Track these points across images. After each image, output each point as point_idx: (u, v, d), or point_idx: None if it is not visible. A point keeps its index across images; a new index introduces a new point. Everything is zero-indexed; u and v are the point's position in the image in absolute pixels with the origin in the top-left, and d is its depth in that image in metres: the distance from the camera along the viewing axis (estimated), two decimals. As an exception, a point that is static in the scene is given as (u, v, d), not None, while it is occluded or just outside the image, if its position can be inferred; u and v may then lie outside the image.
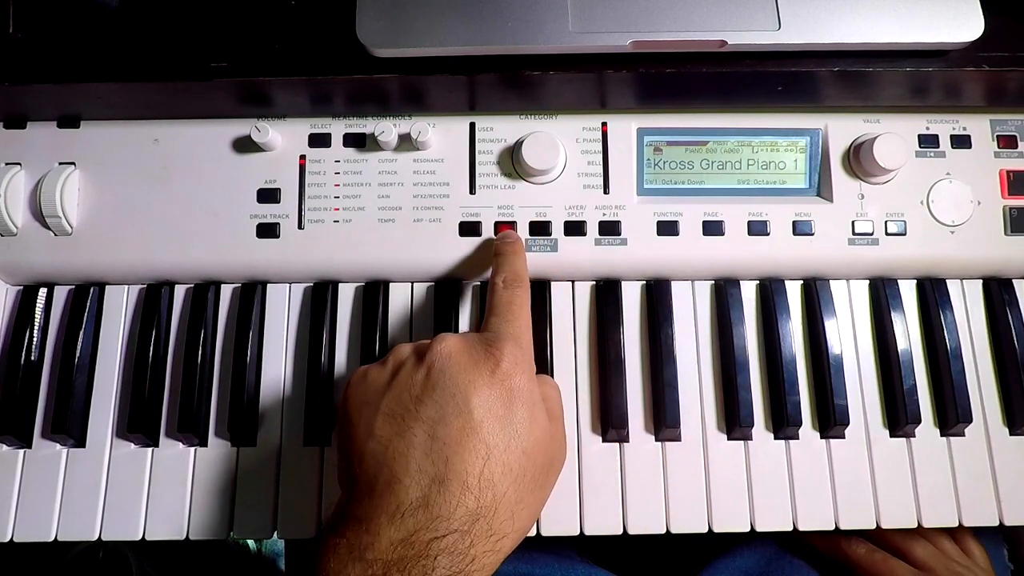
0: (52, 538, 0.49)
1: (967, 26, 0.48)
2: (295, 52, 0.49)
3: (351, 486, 0.40)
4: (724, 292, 0.54)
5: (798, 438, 0.52)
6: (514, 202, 0.53)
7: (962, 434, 0.52)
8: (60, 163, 0.53)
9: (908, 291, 0.55)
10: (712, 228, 0.53)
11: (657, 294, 0.53)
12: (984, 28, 0.47)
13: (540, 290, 0.54)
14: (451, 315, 0.53)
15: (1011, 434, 0.52)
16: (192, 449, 0.51)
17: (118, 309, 0.54)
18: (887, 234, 0.53)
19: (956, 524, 0.50)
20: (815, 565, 0.57)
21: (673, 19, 0.47)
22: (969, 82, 0.51)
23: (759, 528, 0.50)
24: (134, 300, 0.54)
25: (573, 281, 0.54)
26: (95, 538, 0.49)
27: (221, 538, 0.50)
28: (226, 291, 0.54)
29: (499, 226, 0.52)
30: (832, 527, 0.50)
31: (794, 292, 0.54)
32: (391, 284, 0.54)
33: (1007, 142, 0.54)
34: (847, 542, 0.56)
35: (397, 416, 0.39)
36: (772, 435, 0.52)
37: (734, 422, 0.51)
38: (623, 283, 0.54)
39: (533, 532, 0.49)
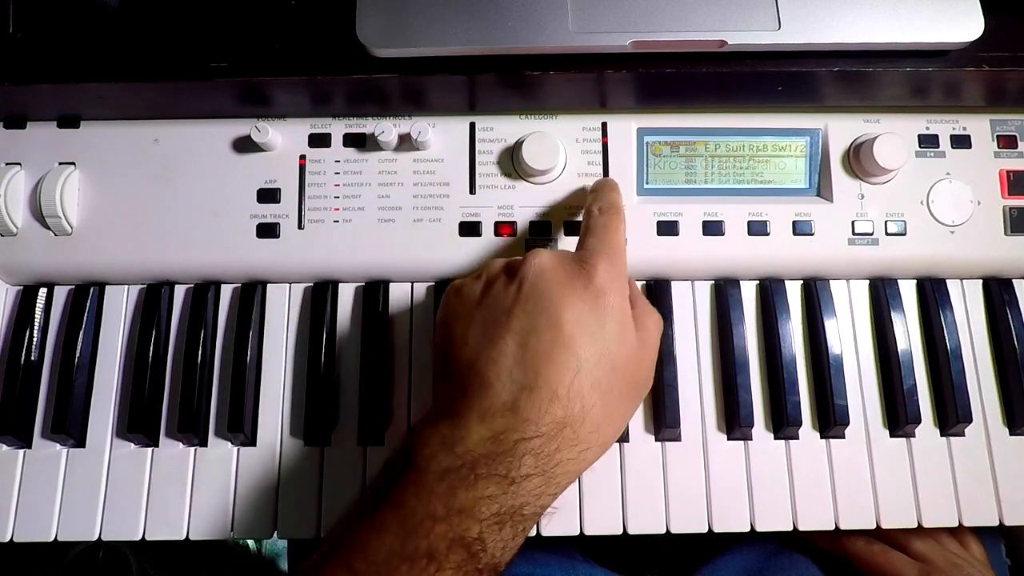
0: (52, 538, 0.49)
1: (967, 26, 0.48)
2: (295, 52, 0.49)
3: (447, 389, 0.41)
4: (724, 292, 0.54)
5: (798, 438, 0.52)
6: (514, 202, 0.53)
7: (962, 434, 0.52)
8: (60, 163, 0.53)
9: (908, 291, 0.55)
10: (712, 228, 0.53)
11: (657, 294, 0.53)
12: (984, 28, 0.47)
13: (540, 290, 0.54)
14: (451, 315, 0.53)
15: (1011, 434, 0.52)
16: (192, 449, 0.51)
17: (118, 309, 0.54)
18: (887, 234, 0.53)
19: (956, 524, 0.50)
20: (815, 560, 0.57)
21: (673, 19, 0.47)
22: (969, 82, 0.51)
23: (759, 528, 0.50)
24: (134, 300, 0.54)
25: (573, 281, 0.54)
26: (95, 538, 0.49)
27: (221, 538, 0.50)
28: (226, 291, 0.54)
29: (499, 226, 0.52)
30: (832, 527, 0.50)
31: (794, 292, 0.54)
32: (391, 284, 0.54)
33: (1007, 142, 0.54)
34: (846, 535, 0.56)
35: (489, 326, 0.41)
36: (772, 435, 0.52)
37: (734, 422, 0.51)
38: (623, 283, 0.54)
39: (533, 532, 0.49)
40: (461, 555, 0.35)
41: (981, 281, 0.55)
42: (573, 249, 0.52)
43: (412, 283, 0.54)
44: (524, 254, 0.44)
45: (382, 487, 0.38)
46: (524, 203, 0.53)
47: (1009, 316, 0.53)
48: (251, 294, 0.53)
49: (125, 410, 0.52)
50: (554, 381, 0.38)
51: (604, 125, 0.54)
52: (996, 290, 0.54)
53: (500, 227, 0.52)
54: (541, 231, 0.52)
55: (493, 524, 0.36)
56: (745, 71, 0.48)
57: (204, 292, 0.53)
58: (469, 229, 0.52)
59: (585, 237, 0.46)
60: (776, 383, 0.52)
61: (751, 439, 0.51)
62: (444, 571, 0.35)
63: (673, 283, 0.54)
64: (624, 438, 0.51)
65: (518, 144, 0.52)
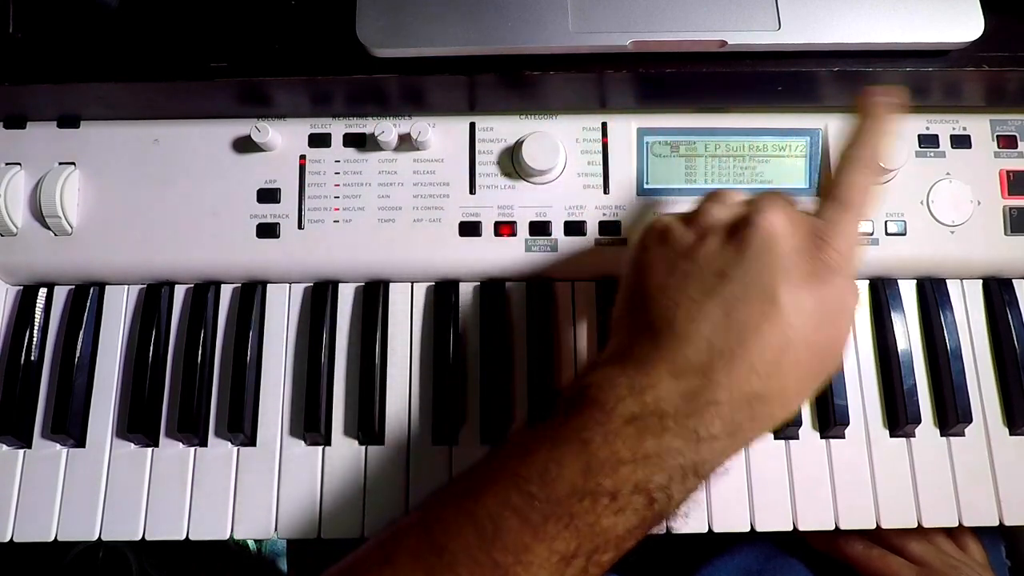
0: (52, 538, 0.49)
1: (967, 26, 0.48)
2: (295, 52, 0.49)
3: (633, 328, 0.39)
4: (724, 292, 0.54)
5: (798, 438, 0.52)
6: (514, 202, 0.53)
7: (962, 434, 0.52)
8: (60, 163, 0.53)
9: (908, 291, 0.55)
10: (712, 228, 0.53)
11: (657, 294, 0.53)
12: (984, 28, 0.47)
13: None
14: (451, 315, 0.53)
15: (1011, 434, 0.52)
16: (192, 449, 0.51)
17: (118, 309, 0.54)
18: (887, 234, 0.53)
19: (956, 524, 0.50)
20: (812, 562, 0.57)
21: (673, 19, 0.47)
22: (969, 82, 0.51)
23: (759, 528, 0.50)
24: (134, 300, 0.54)
25: (573, 281, 0.54)
26: (95, 538, 0.49)
27: (221, 538, 0.50)
28: (226, 291, 0.54)
29: (499, 226, 0.52)
30: (832, 527, 0.50)
31: (794, 292, 0.54)
32: (391, 284, 0.54)
33: (1007, 142, 0.54)
34: (844, 539, 0.56)
35: (694, 282, 0.38)
36: (772, 435, 0.52)
37: (734, 422, 0.51)
38: (623, 283, 0.54)
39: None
40: (642, 500, 0.35)
41: (981, 281, 0.55)
42: (568, 247, 0.52)
43: (412, 283, 0.54)
44: (751, 204, 0.40)
45: (560, 420, 0.37)
46: (524, 203, 0.53)
47: (1009, 316, 0.53)
48: (251, 294, 0.53)
49: (125, 410, 0.52)
50: (756, 355, 0.36)
51: (604, 125, 0.54)
52: (996, 290, 0.54)
53: (500, 227, 0.52)
54: (541, 231, 0.52)
55: (678, 475, 0.36)
56: (745, 71, 0.48)
57: (204, 292, 0.53)
58: (469, 229, 0.52)
59: (833, 198, 0.40)
60: (776, 383, 0.52)
61: (751, 439, 0.51)
62: (625, 512, 0.35)
63: (673, 283, 0.54)
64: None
65: (518, 144, 0.52)
